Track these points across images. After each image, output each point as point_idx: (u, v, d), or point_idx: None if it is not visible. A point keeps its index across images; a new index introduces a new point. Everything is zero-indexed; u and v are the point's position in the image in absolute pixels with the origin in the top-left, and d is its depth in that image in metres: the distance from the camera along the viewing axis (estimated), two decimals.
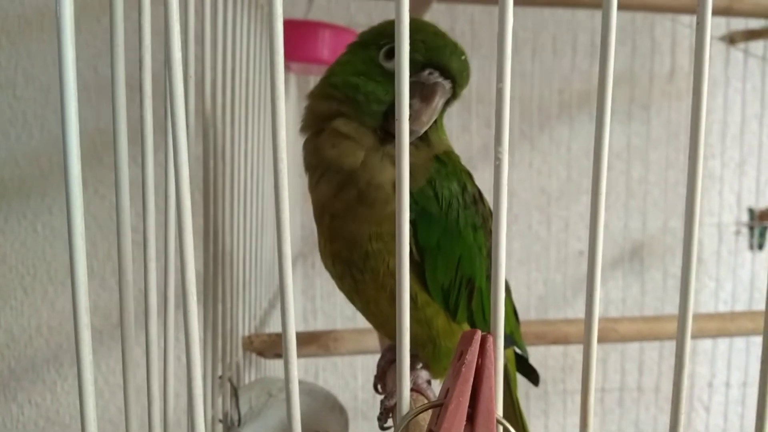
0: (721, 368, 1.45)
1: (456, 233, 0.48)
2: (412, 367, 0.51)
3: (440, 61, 0.48)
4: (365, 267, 0.49)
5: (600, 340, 0.78)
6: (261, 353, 0.67)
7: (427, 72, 0.48)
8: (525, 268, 1.40)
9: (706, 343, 1.44)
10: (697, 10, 0.26)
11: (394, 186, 0.30)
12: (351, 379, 1.38)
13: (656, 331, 0.72)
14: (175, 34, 0.28)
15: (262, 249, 0.76)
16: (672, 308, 1.44)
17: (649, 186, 1.40)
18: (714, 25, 1.32)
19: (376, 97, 0.48)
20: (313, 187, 0.51)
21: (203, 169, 0.50)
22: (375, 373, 0.56)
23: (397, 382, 0.26)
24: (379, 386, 0.56)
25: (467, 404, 0.26)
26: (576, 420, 1.34)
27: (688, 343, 0.30)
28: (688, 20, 1.27)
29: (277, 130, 0.29)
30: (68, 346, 1.31)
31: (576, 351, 1.44)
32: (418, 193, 0.48)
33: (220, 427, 0.55)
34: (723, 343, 1.44)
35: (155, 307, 0.34)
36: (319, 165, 0.50)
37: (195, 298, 0.29)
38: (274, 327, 0.83)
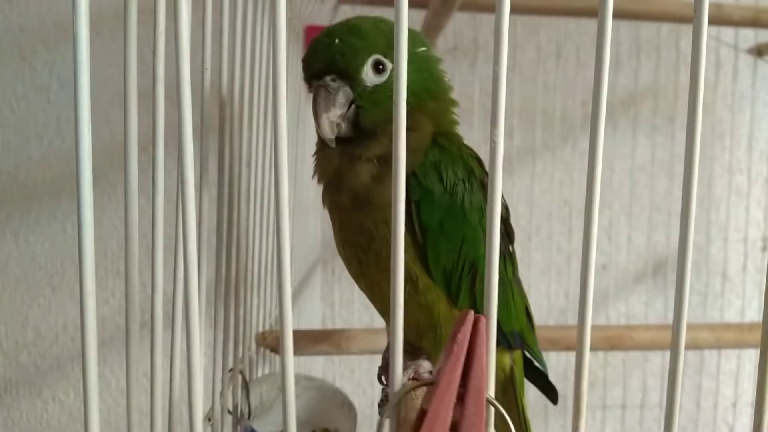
0: (747, 389, 1.42)
1: (460, 215, 0.49)
2: (416, 358, 0.51)
3: (311, 69, 0.50)
4: (369, 249, 0.50)
5: (615, 347, 0.78)
6: (273, 349, 0.68)
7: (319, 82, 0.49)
8: (546, 279, 1.39)
9: (730, 363, 1.41)
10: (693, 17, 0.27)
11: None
12: (368, 386, 1.38)
13: (663, 340, 0.71)
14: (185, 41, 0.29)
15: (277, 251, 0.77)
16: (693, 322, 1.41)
17: (673, 200, 1.38)
18: (741, 38, 1.31)
19: None
20: (323, 192, 0.54)
21: (218, 168, 0.51)
22: (380, 364, 0.57)
23: (391, 360, 0.27)
24: (383, 377, 0.57)
25: (457, 383, 0.26)
26: None
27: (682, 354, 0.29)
28: (715, 32, 1.26)
29: (278, 137, 0.30)
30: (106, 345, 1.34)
31: (597, 366, 1.42)
32: (423, 174, 0.49)
33: (229, 419, 0.56)
34: (749, 362, 1.41)
35: (161, 306, 0.35)
36: (320, 178, 0.54)
37: (197, 295, 0.30)
38: (297, 326, 0.84)
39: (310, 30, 0.97)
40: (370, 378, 1.37)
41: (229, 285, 0.53)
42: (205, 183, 0.47)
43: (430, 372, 0.50)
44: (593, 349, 0.74)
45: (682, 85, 1.35)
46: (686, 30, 1.31)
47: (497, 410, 0.27)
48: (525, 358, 0.62)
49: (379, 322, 1.37)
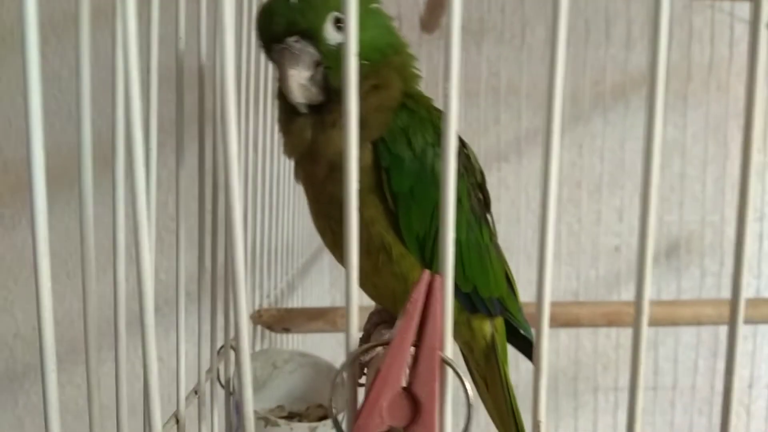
0: (765, 371, 1.39)
1: (431, 181, 0.48)
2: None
3: (270, 31, 0.48)
4: (341, 220, 0.50)
5: (614, 324, 0.77)
6: (269, 326, 0.69)
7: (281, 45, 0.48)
8: (557, 262, 1.38)
9: (747, 344, 1.39)
10: None
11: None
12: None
13: (673, 315, 0.70)
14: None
15: (277, 233, 0.78)
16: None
17: (687, 180, 1.36)
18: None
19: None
20: (295, 166, 0.54)
21: (199, 151, 0.51)
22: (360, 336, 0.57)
23: (347, 319, 0.27)
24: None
25: (410, 342, 0.26)
26: (608, 419, 1.32)
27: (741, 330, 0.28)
28: (728, 7, 1.22)
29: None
30: (108, 330, 1.35)
31: (609, 348, 1.41)
32: (391, 140, 0.48)
33: (221, 395, 0.57)
34: (766, 344, 1.38)
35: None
36: (292, 152, 0.53)
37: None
38: (291, 304, 0.84)
39: None
40: None
41: (215, 265, 0.53)
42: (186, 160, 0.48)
43: None
44: (592, 325, 0.74)
45: (695, 63, 1.32)
46: (699, 7, 1.28)
47: (453, 370, 0.26)
48: (509, 325, 0.61)
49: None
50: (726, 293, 1.37)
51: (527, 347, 0.64)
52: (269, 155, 0.74)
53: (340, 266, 1.39)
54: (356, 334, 0.27)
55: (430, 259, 0.50)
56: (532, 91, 1.31)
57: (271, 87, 0.74)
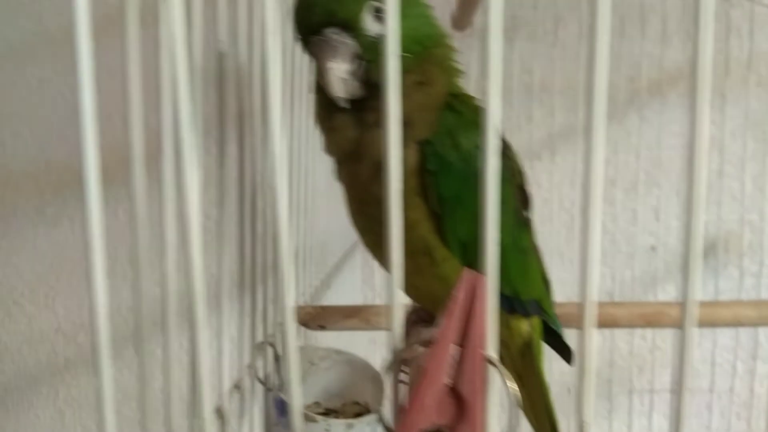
0: None
1: (478, 185, 0.48)
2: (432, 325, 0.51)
3: (307, 23, 0.46)
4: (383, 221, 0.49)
5: (653, 324, 0.75)
6: (305, 324, 0.70)
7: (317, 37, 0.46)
8: None
9: None
10: None
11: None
12: (375, 353, 1.38)
13: (712, 317, 0.69)
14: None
15: (313, 228, 0.79)
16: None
17: (725, 178, 1.33)
18: None
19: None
20: (337, 164, 0.52)
21: (238, 151, 0.51)
22: None
23: (390, 319, 0.27)
24: None
25: (453, 340, 0.26)
26: (644, 422, 1.30)
27: None
28: None
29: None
30: (147, 326, 1.39)
31: (645, 350, 1.38)
32: (438, 142, 0.47)
33: (260, 390, 0.58)
34: None
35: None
36: (335, 151, 0.51)
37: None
38: (325, 302, 0.85)
39: None
40: None
41: (255, 260, 0.54)
42: (232, 160, 0.48)
43: None
44: (630, 326, 0.73)
45: (734, 59, 1.29)
46: (738, 0, 1.25)
47: (497, 369, 0.27)
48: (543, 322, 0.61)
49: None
50: (766, 294, 1.34)
51: (559, 345, 0.63)
52: (303, 150, 0.75)
53: (372, 264, 1.40)
54: (400, 333, 0.28)
55: (474, 263, 0.49)
56: (566, 89, 1.30)
57: (305, 81, 0.75)
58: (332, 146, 0.51)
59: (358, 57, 0.46)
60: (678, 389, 0.28)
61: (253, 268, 0.54)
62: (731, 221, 1.33)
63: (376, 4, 0.45)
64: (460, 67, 0.52)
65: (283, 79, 0.69)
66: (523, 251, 0.53)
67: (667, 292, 1.37)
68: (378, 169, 0.48)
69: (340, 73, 0.45)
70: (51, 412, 1.45)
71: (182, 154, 0.33)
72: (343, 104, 0.47)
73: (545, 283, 0.59)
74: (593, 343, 0.27)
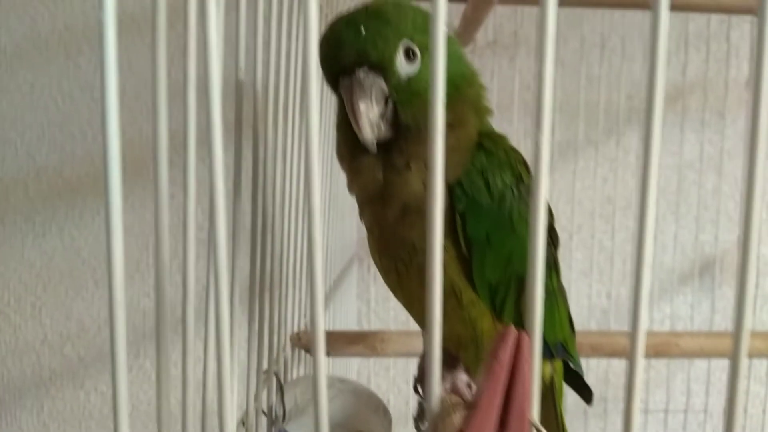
0: None
1: (508, 227, 0.46)
2: (453, 368, 0.49)
3: (338, 63, 0.44)
4: (411, 262, 0.47)
5: (661, 355, 0.75)
6: (308, 350, 0.68)
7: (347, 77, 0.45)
8: (587, 279, 1.35)
9: (762, 361, 1.35)
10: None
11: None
12: (403, 384, 1.37)
13: (721, 348, 0.68)
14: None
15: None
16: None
17: (722, 198, 1.33)
18: None
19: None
20: (360, 205, 0.51)
21: (252, 167, 0.50)
22: (415, 373, 0.55)
23: (427, 379, 0.26)
24: (419, 387, 0.55)
25: (499, 405, 0.25)
26: None
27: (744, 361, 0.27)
28: None
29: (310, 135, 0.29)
30: (134, 338, 1.36)
31: (654, 371, 1.38)
32: (468, 184, 0.45)
33: (263, 420, 0.56)
34: None
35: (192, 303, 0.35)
36: (361, 192, 0.50)
37: (227, 291, 0.29)
38: (333, 325, 0.83)
39: None
40: (406, 376, 1.36)
41: (263, 283, 0.53)
42: (239, 182, 0.47)
43: (469, 385, 0.49)
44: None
45: (733, 80, 1.29)
46: (737, 21, 1.26)
47: None
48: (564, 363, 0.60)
49: (403, 315, 1.36)
50: (762, 314, 1.34)
51: (577, 383, 0.62)
52: (301, 168, 0.73)
53: (367, 281, 1.38)
54: (437, 394, 0.26)
55: (501, 306, 0.48)
56: (565, 105, 1.30)
57: (298, 100, 0.73)
58: (357, 187, 0.49)
59: (387, 98, 0.45)
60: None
61: (261, 289, 0.52)
62: (728, 241, 1.33)
63: (409, 43, 0.44)
64: (490, 106, 0.51)
65: (276, 96, 0.67)
66: (550, 293, 0.51)
67: (662, 310, 1.37)
68: (405, 211, 0.46)
69: (372, 116, 0.44)
70: (35, 424, 1.42)
71: (213, 159, 0.31)
72: (373, 149, 0.45)
73: (570, 324, 0.57)
74: (640, 373, 0.26)
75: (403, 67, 0.44)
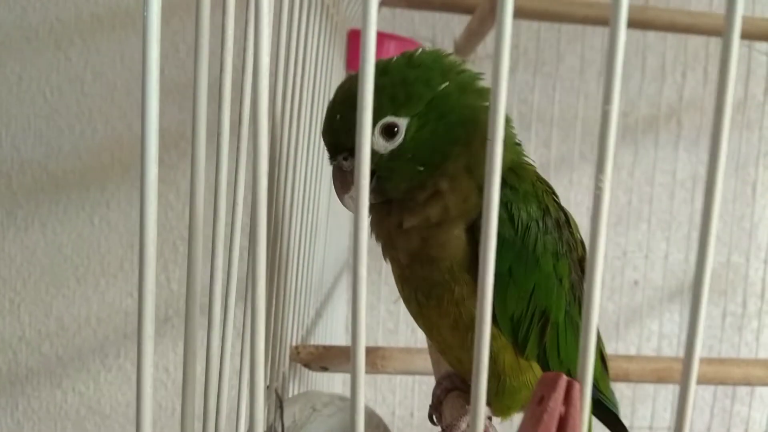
0: None
1: (532, 260, 0.45)
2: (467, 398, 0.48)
3: (326, 147, 0.46)
4: (430, 294, 0.46)
5: (664, 380, 0.75)
6: (307, 365, 0.66)
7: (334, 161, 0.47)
8: None
9: (762, 388, 1.37)
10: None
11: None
12: (389, 394, 1.36)
13: (722, 375, 0.68)
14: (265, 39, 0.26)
15: (313, 258, 0.76)
16: (729, 348, 1.37)
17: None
18: None
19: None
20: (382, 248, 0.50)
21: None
22: (430, 402, 0.54)
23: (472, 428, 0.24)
24: (434, 417, 0.54)
25: None
26: None
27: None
28: (766, 47, 1.21)
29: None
30: (115, 338, 1.33)
31: (624, 386, 1.38)
32: None
33: None
34: None
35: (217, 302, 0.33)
36: (377, 238, 0.50)
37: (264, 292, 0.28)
38: (319, 337, 0.81)
39: (353, 35, 0.95)
40: (392, 387, 1.35)
41: (270, 296, 0.51)
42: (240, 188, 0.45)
43: (489, 418, 0.47)
44: (643, 380, 0.71)
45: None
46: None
47: None
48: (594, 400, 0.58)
49: (405, 334, 1.35)
50: (747, 334, 1.35)
51: (608, 418, 0.60)
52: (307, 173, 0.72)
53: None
54: None
55: (524, 341, 0.46)
56: (562, 120, 1.30)
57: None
58: (374, 234, 0.49)
59: (372, 173, 0.44)
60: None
61: (268, 301, 0.50)
62: (717, 262, 1.35)
63: (386, 121, 0.44)
64: (517, 139, 0.49)
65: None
66: (577, 329, 0.49)
67: (648, 327, 1.38)
68: (413, 258, 0.46)
69: (351, 198, 0.45)
70: (8, 424, 1.38)
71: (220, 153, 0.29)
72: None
73: (603, 362, 0.55)
74: (690, 400, 0.25)
75: (380, 145, 0.44)
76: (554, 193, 0.49)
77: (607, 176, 0.23)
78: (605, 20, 0.99)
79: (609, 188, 0.24)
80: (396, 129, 0.44)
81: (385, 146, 0.44)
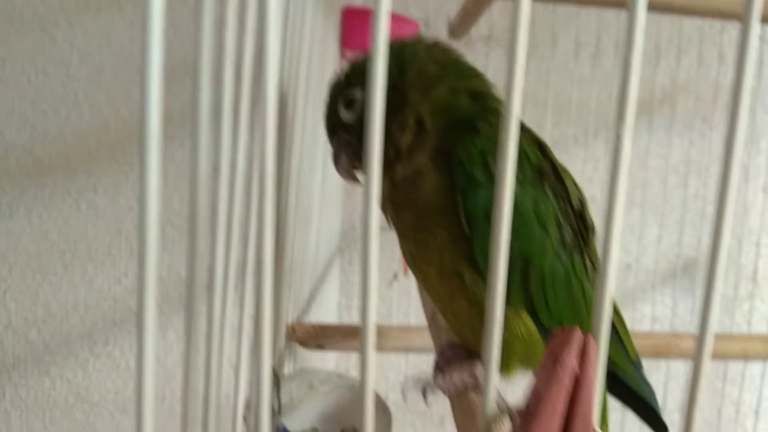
0: None
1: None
2: (470, 358, 0.49)
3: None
4: (417, 241, 0.49)
5: (661, 355, 0.74)
6: (303, 343, 0.65)
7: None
8: None
9: (754, 368, 1.38)
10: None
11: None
12: (381, 378, 1.35)
13: (718, 350, 0.68)
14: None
15: (308, 237, 0.75)
16: (720, 330, 1.37)
17: (706, 202, 1.34)
18: None
19: None
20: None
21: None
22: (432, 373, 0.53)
23: (482, 389, 0.24)
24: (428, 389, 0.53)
25: (562, 412, 0.23)
26: None
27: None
28: (761, 31, 1.21)
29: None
30: (103, 325, 1.32)
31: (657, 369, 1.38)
32: (468, 163, 0.45)
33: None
34: None
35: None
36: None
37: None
38: (313, 317, 0.81)
39: (347, 12, 0.93)
40: (384, 371, 1.34)
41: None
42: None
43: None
44: (641, 356, 0.71)
45: (722, 85, 1.30)
46: (731, 27, 1.26)
47: None
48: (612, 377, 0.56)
49: (398, 317, 1.34)
50: (738, 317, 1.36)
51: (648, 415, 0.59)
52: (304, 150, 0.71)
53: (348, 273, 1.35)
54: (493, 402, 0.24)
55: (507, 288, 0.46)
56: (556, 104, 1.29)
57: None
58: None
59: (350, 144, 0.51)
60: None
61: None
62: (709, 245, 1.35)
63: (347, 95, 0.50)
64: (470, 68, 0.51)
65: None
66: (570, 281, 0.48)
67: (640, 310, 1.38)
68: (400, 208, 0.50)
69: (347, 167, 0.51)
70: None
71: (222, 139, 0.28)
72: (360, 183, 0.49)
73: (614, 327, 0.54)
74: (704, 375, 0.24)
75: (346, 117, 0.50)
76: (541, 142, 0.50)
77: (627, 125, 0.22)
78: (601, 1, 0.98)
79: (629, 138, 0.23)
80: (351, 101, 0.49)
81: (349, 118, 0.50)
